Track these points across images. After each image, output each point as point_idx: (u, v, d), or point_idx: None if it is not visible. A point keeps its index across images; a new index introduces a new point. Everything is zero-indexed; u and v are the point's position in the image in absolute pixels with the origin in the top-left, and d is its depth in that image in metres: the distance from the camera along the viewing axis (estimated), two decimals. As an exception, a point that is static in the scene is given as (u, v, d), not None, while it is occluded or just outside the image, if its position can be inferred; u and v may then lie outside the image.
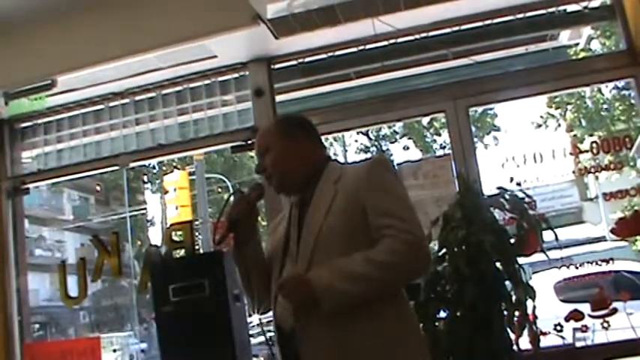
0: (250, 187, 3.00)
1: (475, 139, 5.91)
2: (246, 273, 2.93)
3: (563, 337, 4.95)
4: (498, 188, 4.50)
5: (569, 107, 18.43)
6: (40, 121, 6.63)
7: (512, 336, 4.07)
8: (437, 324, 4.17)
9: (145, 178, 27.11)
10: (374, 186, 2.74)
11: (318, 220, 2.73)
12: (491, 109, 21.45)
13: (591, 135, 16.04)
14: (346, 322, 2.61)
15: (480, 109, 19.33)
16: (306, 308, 2.58)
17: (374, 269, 2.56)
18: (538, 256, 4.39)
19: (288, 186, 2.96)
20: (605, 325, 4.97)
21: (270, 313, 2.94)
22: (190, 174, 20.38)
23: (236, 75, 6.13)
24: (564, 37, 6.04)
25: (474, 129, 6.16)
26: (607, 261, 5.21)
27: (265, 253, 3.02)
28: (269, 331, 2.98)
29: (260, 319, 3.11)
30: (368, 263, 2.57)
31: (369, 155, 23.78)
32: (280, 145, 2.93)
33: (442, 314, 4.19)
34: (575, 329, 5.03)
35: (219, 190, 26.17)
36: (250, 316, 3.09)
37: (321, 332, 2.62)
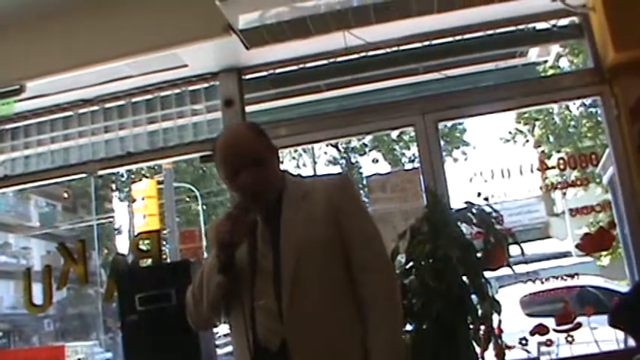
0: (240, 207, 2.77)
1: (444, 154, 5.93)
2: (220, 296, 2.74)
3: (528, 351, 4.99)
4: (466, 202, 4.53)
5: (538, 123, 18.55)
6: (7, 127, 6.56)
7: (478, 349, 4.09)
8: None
9: (113, 186, 26.93)
10: (348, 201, 2.80)
11: (295, 234, 2.70)
12: (460, 123, 21.55)
13: (559, 151, 16.14)
14: (338, 338, 2.67)
15: (449, 124, 19.43)
16: None
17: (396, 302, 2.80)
18: (504, 271, 4.42)
19: (263, 202, 2.79)
20: (570, 339, 5.02)
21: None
22: (159, 183, 20.27)
23: (206, 85, 6.12)
24: (533, 54, 6.11)
25: (443, 143, 6.19)
26: (572, 276, 5.29)
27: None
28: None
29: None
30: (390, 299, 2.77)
31: (337, 167, 23.82)
32: (273, 160, 2.84)
33: (408, 327, 4.19)
34: (539, 343, 5.07)
35: (188, 199, 26.05)
36: (216, 326, 2.97)
37: (315, 349, 2.63)
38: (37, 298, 6.10)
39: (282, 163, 3.00)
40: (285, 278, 2.68)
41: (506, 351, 4.37)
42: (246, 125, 3.25)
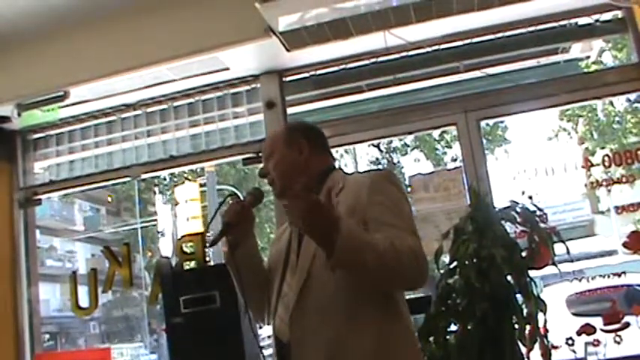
0: (248, 191, 3.03)
1: (486, 152, 5.88)
2: (240, 278, 2.88)
3: (574, 352, 4.93)
4: (510, 201, 4.49)
5: (581, 120, 18.33)
6: (52, 132, 6.68)
7: (524, 350, 4.05)
8: (447, 337, 4.16)
9: (157, 190, 27.11)
10: (375, 198, 2.66)
11: None
12: (502, 122, 21.36)
13: (603, 148, 15.93)
14: (341, 337, 2.57)
15: (491, 122, 19.27)
16: (323, 234, 2.38)
17: (389, 250, 2.42)
18: (549, 270, 4.37)
19: (282, 190, 2.94)
20: (618, 339, 4.95)
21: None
22: (202, 186, 20.34)
23: (248, 87, 6.15)
24: (576, 49, 6.04)
25: (485, 142, 6.15)
26: (619, 274, 5.20)
27: (266, 263, 3.03)
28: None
29: (254, 331, 3.09)
30: (388, 242, 2.44)
31: (379, 167, 23.71)
32: (283, 151, 2.94)
33: (453, 327, 4.17)
34: (587, 343, 5.01)
35: (231, 202, 26.08)
36: (261, 327, 3.06)
37: (316, 344, 2.59)
38: (83, 300, 6.17)
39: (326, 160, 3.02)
40: (300, 272, 2.70)
41: (553, 351, 4.31)
42: (284, 126, 3.33)
